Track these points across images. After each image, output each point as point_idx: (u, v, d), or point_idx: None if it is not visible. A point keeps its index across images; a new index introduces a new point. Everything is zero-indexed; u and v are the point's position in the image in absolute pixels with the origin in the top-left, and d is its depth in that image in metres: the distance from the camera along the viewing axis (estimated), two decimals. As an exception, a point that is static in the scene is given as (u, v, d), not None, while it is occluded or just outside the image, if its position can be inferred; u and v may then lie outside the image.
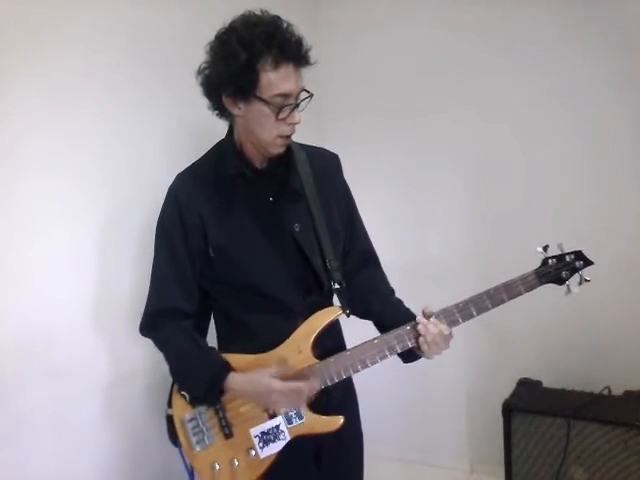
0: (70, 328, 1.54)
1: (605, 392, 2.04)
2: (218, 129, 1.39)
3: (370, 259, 1.47)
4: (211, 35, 1.25)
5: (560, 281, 1.33)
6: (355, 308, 1.38)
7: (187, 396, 1.31)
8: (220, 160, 1.32)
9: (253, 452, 1.27)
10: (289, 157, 1.33)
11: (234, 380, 1.26)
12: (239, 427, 1.29)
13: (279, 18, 1.21)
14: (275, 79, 1.17)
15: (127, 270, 1.70)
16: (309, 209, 1.32)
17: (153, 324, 1.35)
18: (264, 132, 1.24)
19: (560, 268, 1.32)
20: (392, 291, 1.48)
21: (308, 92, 1.24)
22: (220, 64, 1.20)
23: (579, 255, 1.33)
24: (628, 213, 2.14)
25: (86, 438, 1.58)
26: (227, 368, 1.28)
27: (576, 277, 1.32)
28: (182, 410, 1.32)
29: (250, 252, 1.29)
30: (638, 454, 1.82)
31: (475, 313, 1.31)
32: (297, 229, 1.30)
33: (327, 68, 2.57)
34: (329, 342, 1.33)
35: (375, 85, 2.55)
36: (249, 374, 1.27)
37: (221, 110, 1.28)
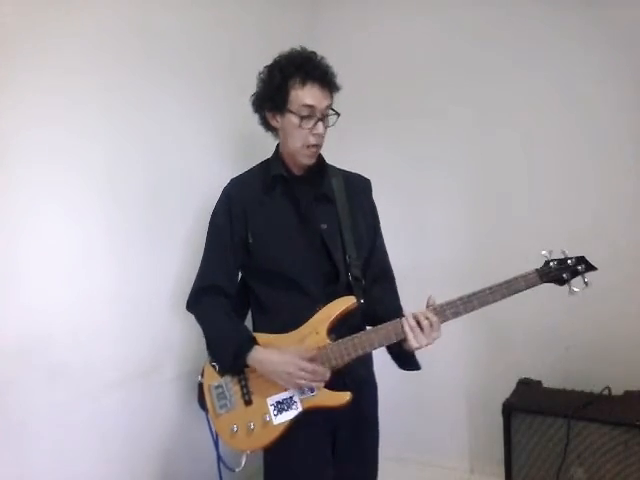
0: (70, 328, 1.54)
1: (605, 392, 2.04)
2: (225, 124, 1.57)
3: (385, 276, 1.64)
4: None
5: (561, 281, 1.42)
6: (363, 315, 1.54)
7: (216, 366, 1.50)
8: (267, 167, 1.58)
9: (268, 417, 1.43)
10: (324, 169, 1.58)
11: (259, 352, 1.45)
12: (258, 395, 1.46)
13: (314, 53, 1.51)
14: (301, 94, 1.46)
15: (127, 270, 1.70)
16: (337, 213, 1.53)
17: (196, 299, 1.56)
18: (294, 141, 1.49)
19: (561, 269, 1.42)
20: (399, 307, 1.55)
21: (334, 110, 1.50)
22: (263, 86, 1.51)
23: (581, 260, 1.42)
24: (629, 214, 2.15)
25: (86, 438, 1.58)
26: (253, 342, 1.46)
27: (579, 280, 1.41)
28: (211, 378, 1.51)
29: (282, 241, 1.50)
30: (638, 454, 1.82)
31: (477, 305, 1.41)
32: (324, 227, 1.51)
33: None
34: (345, 330, 1.45)
35: (374, 85, 2.55)
36: (274, 350, 1.44)
37: (266, 124, 1.55)
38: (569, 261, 1.42)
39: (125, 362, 1.70)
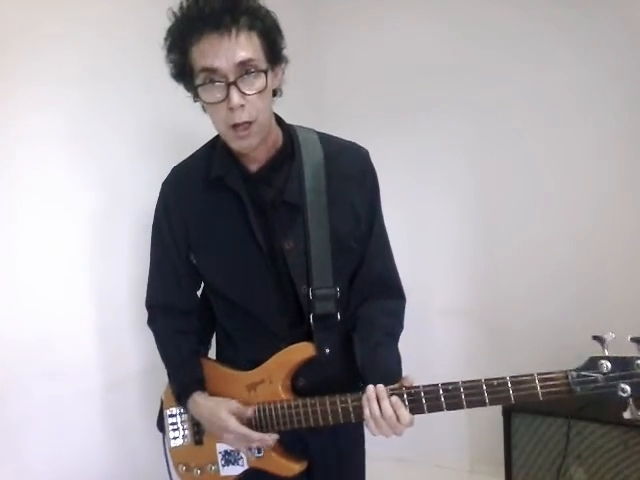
0: (69, 329, 1.54)
1: (605, 392, 2.04)
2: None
3: (381, 287, 1.22)
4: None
5: (612, 397, 0.89)
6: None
7: None
8: (209, 157, 1.17)
9: (214, 467, 1.25)
10: (292, 158, 1.14)
11: (196, 401, 1.20)
12: (209, 438, 1.25)
13: None
14: (197, 54, 0.99)
15: (126, 270, 1.70)
16: (305, 224, 1.12)
17: (149, 318, 1.33)
18: (216, 125, 1.07)
19: (615, 379, 0.88)
20: (389, 334, 1.19)
21: (252, 62, 0.99)
22: (168, 56, 1.07)
23: None
24: (629, 214, 2.14)
25: (85, 439, 1.58)
26: (193, 387, 1.22)
27: None
28: (169, 404, 1.31)
29: (233, 270, 1.16)
30: (638, 454, 1.81)
31: (465, 404, 1.00)
32: (288, 247, 1.13)
33: (326, 67, 2.58)
34: (316, 378, 1.16)
35: (374, 84, 2.55)
36: (211, 401, 1.19)
37: (202, 107, 1.11)
38: (637, 363, 0.85)
39: (124, 363, 1.69)
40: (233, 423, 1.13)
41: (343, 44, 2.55)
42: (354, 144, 1.22)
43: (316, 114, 2.44)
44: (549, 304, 2.22)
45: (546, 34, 2.20)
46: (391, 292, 1.23)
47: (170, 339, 1.27)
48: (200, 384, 1.23)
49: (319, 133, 1.21)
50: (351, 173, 1.17)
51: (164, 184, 1.24)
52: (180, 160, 1.27)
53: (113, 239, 1.67)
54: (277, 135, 1.16)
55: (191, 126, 1.91)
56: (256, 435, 1.13)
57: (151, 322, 1.32)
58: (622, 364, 0.87)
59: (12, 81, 1.40)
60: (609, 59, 2.11)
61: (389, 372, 1.11)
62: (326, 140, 1.19)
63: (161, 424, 1.33)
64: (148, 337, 1.75)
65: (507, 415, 2.03)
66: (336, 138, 1.22)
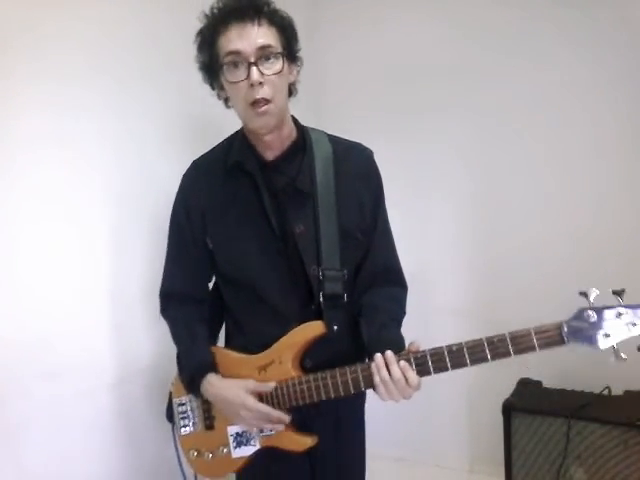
0: (69, 329, 1.54)
1: (605, 392, 2.04)
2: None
3: (385, 277, 1.32)
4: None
5: (600, 343, 1.00)
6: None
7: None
8: (229, 149, 1.28)
9: (226, 449, 1.30)
10: (304, 151, 1.26)
11: (210, 382, 1.26)
12: (220, 421, 1.31)
13: None
14: (224, 42, 1.14)
15: (128, 269, 1.70)
16: (315, 211, 1.22)
17: (163, 306, 1.39)
18: (238, 106, 1.18)
19: (601, 326, 0.98)
20: (393, 318, 1.27)
21: (270, 48, 1.13)
22: (197, 57, 1.22)
23: None
24: (630, 214, 2.14)
25: (86, 439, 1.58)
26: (207, 368, 1.27)
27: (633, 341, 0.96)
28: (178, 393, 1.37)
29: (247, 252, 1.24)
30: (638, 454, 1.82)
31: (469, 362, 1.08)
32: (299, 231, 1.22)
33: (326, 68, 2.58)
34: (326, 356, 1.22)
35: (374, 84, 2.55)
36: (228, 380, 1.25)
37: (224, 101, 1.25)
38: (622, 313, 0.94)
39: (126, 362, 1.69)
40: (252, 401, 1.19)
41: (343, 44, 2.55)
42: (360, 144, 1.33)
43: (316, 114, 2.43)
44: (549, 303, 2.22)
45: (546, 34, 2.20)
46: (394, 281, 1.34)
47: (185, 325, 1.34)
48: (213, 367, 1.28)
49: (328, 134, 1.32)
50: (357, 171, 1.29)
51: (184, 176, 1.34)
52: (180, 156, 1.35)
53: (113, 239, 1.66)
54: (292, 129, 1.27)
55: (197, 122, 1.93)
56: (275, 412, 1.19)
57: (165, 310, 1.38)
58: (606, 313, 0.97)
59: (13, 80, 1.40)
60: (609, 59, 2.11)
61: (395, 345, 1.17)
62: (334, 140, 1.31)
63: (170, 415, 1.39)
64: (148, 337, 1.77)
65: (507, 415, 2.03)
66: (343, 138, 1.33)
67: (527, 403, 2.04)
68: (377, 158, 1.32)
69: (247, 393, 1.20)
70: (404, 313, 1.33)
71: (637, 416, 1.83)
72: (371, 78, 2.56)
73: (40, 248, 1.47)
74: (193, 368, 1.29)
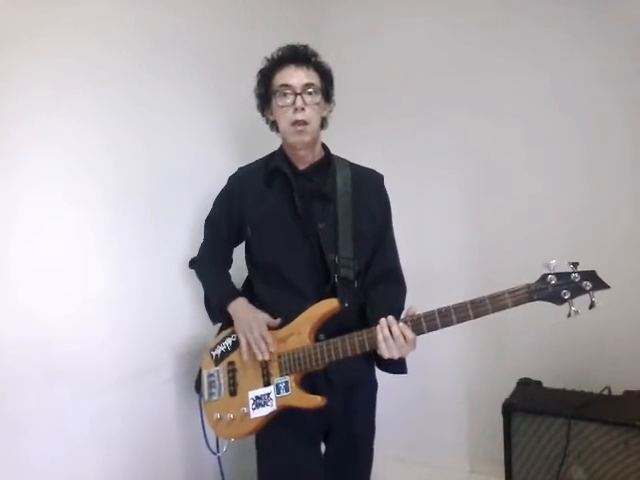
0: (69, 329, 1.54)
1: (605, 392, 2.04)
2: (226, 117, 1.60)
3: (389, 277, 1.60)
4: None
5: (558, 300, 1.25)
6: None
7: (213, 353, 1.60)
8: (269, 160, 1.62)
9: (246, 410, 1.50)
10: (329, 164, 1.59)
11: (238, 304, 1.57)
12: (242, 388, 1.53)
13: (295, 44, 1.55)
14: (279, 77, 1.51)
15: (129, 269, 1.70)
16: (336, 212, 1.52)
17: (195, 263, 1.75)
18: (282, 122, 1.52)
19: (559, 286, 1.25)
20: (396, 309, 1.50)
21: (313, 86, 1.50)
22: (256, 89, 1.59)
23: (590, 275, 1.23)
24: (630, 214, 2.15)
25: (86, 439, 1.58)
26: (236, 294, 1.59)
27: (585, 299, 1.20)
28: (207, 366, 1.62)
29: (277, 238, 1.54)
30: (638, 454, 1.82)
31: (455, 320, 1.32)
32: (321, 226, 1.52)
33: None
34: (335, 331, 1.46)
35: (376, 85, 2.56)
36: (253, 308, 1.55)
37: (270, 124, 1.61)
38: (573, 276, 1.22)
39: (127, 362, 1.69)
40: (262, 321, 1.50)
41: (343, 45, 2.55)
42: (374, 170, 1.67)
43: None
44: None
45: (546, 33, 2.21)
46: (396, 281, 1.63)
47: (213, 270, 1.69)
48: (239, 295, 1.60)
49: (349, 161, 1.66)
50: (370, 189, 1.62)
51: (231, 176, 1.68)
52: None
53: (113, 239, 1.67)
54: (321, 150, 1.63)
55: (201, 126, 1.93)
56: (269, 338, 1.47)
57: (194, 263, 1.75)
58: (563, 277, 1.25)
59: (13, 80, 1.40)
60: (610, 58, 2.12)
61: (394, 315, 1.43)
62: (353, 165, 1.65)
63: (198, 387, 1.65)
64: (148, 337, 1.77)
65: (507, 415, 2.03)
66: (361, 165, 1.67)
67: (527, 403, 2.04)
68: (377, 157, 1.70)
69: (262, 317, 1.51)
70: (402, 308, 1.54)
71: (637, 416, 1.84)
72: (371, 78, 2.56)
73: (40, 248, 1.47)
74: (223, 294, 1.60)
